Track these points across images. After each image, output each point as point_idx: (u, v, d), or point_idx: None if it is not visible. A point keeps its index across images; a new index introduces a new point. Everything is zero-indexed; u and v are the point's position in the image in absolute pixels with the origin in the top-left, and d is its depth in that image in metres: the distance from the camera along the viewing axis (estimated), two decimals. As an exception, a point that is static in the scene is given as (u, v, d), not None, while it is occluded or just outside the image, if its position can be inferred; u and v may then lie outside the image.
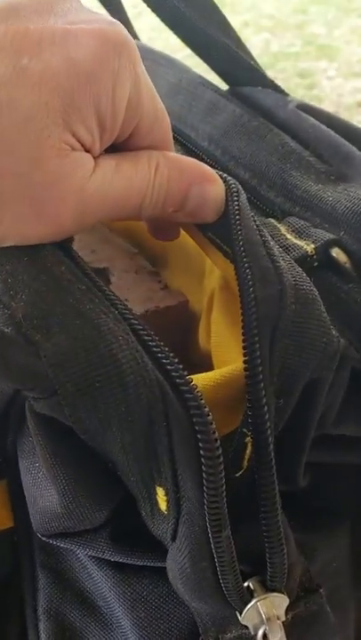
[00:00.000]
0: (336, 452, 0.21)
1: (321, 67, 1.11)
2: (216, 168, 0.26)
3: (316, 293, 0.18)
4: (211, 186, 0.19)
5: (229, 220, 0.19)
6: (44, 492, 0.18)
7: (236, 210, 0.19)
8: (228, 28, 0.27)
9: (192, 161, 0.20)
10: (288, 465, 0.19)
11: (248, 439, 0.17)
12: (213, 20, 0.26)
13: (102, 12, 0.37)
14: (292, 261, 0.19)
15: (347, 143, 0.24)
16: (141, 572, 0.19)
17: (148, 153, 0.19)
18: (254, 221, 0.19)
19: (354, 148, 0.24)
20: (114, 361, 0.16)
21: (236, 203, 0.19)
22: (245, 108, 0.27)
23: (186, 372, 0.17)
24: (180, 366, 0.17)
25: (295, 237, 0.21)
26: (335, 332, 0.18)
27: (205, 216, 0.20)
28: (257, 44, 1.14)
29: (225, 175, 0.20)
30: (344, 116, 1.00)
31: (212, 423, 0.16)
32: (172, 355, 0.17)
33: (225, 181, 0.20)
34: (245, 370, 0.17)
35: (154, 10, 0.28)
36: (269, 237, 0.19)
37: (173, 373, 0.16)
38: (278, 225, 0.22)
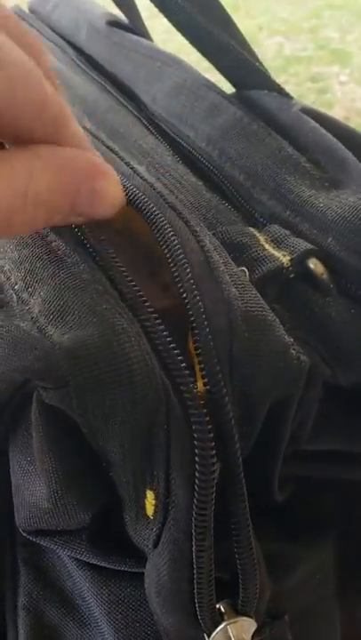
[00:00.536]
0: (316, 466, 0.20)
1: (333, 71, 1.11)
2: (212, 168, 0.26)
3: (271, 317, 0.18)
4: (102, 181, 0.17)
5: (174, 258, 0.18)
6: (32, 487, 0.18)
7: (178, 248, 0.18)
8: (235, 31, 0.27)
9: (78, 154, 0.16)
10: (261, 482, 0.19)
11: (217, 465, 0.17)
12: (220, 23, 0.26)
13: (116, 11, 0.37)
14: (246, 284, 0.19)
15: (343, 148, 0.24)
16: (120, 574, 0.19)
17: (17, 156, 0.15)
18: (201, 248, 0.19)
19: (350, 154, 0.23)
20: (125, 359, 0.16)
21: (173, 238, 0.18)
22: (247, 111, 0.26)
23: (192, 379, 0.17)
24: (187, 372, 0.17)
25: (273, 247, 0.20)
26: (297, 351, 0.18)
27: (101, 214, 0.18)
28: (270, 47, 1.14)
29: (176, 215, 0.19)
30: (356, 121, 1.00)
31: (210, 432, 0.16)
32: (180, 359, 0.17)
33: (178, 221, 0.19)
34: (211, 401, 0.17)
35: (162, 11, 0.28)
36: (221, 262, 0.19)
37: (178, 379, 0.16)
38: (258, 234, 0.21)
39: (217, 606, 0.18)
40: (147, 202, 0.20)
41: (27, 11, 0.42)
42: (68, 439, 0.17)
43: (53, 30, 0.38)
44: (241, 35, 0.27)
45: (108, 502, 0.17)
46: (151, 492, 0.16)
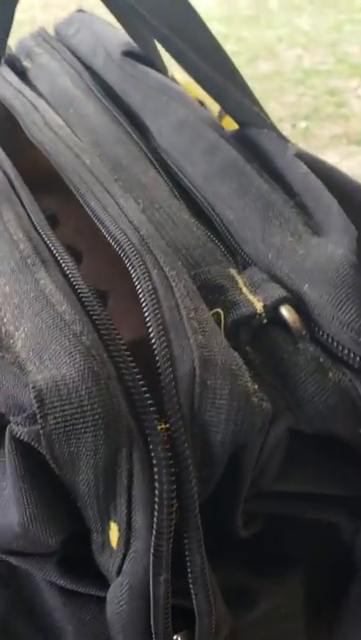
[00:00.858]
0: (281, 505, 0.20)
1: (352, 85, 1.08)
2: (207, 205, 0.26)
3: (236, 365, 0.18)
4: None
5: (147, 303, 0.18)
6: (5, 510, 0.18)
7: (152, 293, 0.18)
8: (238, 78, 0.27)
9: None
10: (224, 520, 0.19)
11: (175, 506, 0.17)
12: (227, 72, 0.26)
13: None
14: (213, 331, 0.18)
15: (330, 196, 0.24)
16: (88, 597, 0.19)
17: None
18: (174, 294, 0.19)
19: (335, 203, 0.23)
20: (91, 403, 0.16)
21: (147, 283, 0.19)
22: (243, 152, 0.26)
23: (157, 422, 0.17)
24: (154, 416, 0.17)
25: (249, 291, 0.20)
26: (259, 399, 0.17)
27: None
28: (289, 59, 1.11)
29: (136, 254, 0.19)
30: (371, 136, 0.97)
31: (172, 475, 0.16)
32: (149, 403, 0.17)
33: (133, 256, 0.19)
34: (171, 448, 0.17)
35: (181, 66, 0.28)
36: (192, 308, 0.19)
37: (146, 423, 0.17)
38: (237, 277, 0.21)
39: (174, 638, 0.18)
40: (129, 247, 0.20)
41: (52, 31, 0.42)
42: (39, 471, 0.17)
43: (74, 54, 0.38)
44: (240, 77, 0.27)
45: (77, 529, 0.18)
46: (115, 525, 0.17)
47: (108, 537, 0.17)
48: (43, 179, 0.27)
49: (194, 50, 0.25)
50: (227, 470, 0.18)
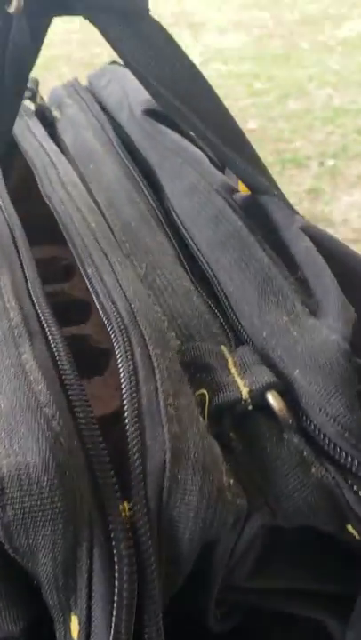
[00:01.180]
0: (259, 597, 0.19)
1: (380, 125, 1.06)
2: (210, 272, 0.25)
3: (209, 458, 0.16)
4: None
5: (126, 385, 0.17)
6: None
7: (132, 374, 0.17)
8: (244, 144, 0.26)
9: None
10: (196, 612, 0.18)
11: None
12: (230, 136, 0.25)
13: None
14: (191, 421, 0.17)
15: (330, 275, 0.22)
16: None
17: None
18: (154, 376, 0.18)
19: (334, 283, 0.22)
20: (51, 496, 0.15)
21: (129, 363, 0.17)
22: (249, 221, 0.25)
23: (122, 516, 0.16)
24: (120, 509, 0.16)
25: (237, 373, 0.19)
26: (233, 494, 0.16)
27: None
28: (319, 97, 1.10)
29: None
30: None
31: (134, 573, 0.15)
32: (116, 495, 0.16)
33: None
34: (135, 544, 0.16)
35: (198, 140, 0.28)
36: (171, 393, 0.17)
37: (110, 518, 0.16)
38: (228, 356, 0.20)
39: None
40: (117, 322, 0.19)
41: (86, 80, 0.42)
42: (1, 557, 0.16)
43: (102, 105, 0.38)
44: (251, 149, 0.26)
45: (41, 616, 0.17)
46: (76, 618, 0.16)
47: (70, 628, 0.16)
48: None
49: (202, 121, 0.24)
50: (197, 564, 0.17)
